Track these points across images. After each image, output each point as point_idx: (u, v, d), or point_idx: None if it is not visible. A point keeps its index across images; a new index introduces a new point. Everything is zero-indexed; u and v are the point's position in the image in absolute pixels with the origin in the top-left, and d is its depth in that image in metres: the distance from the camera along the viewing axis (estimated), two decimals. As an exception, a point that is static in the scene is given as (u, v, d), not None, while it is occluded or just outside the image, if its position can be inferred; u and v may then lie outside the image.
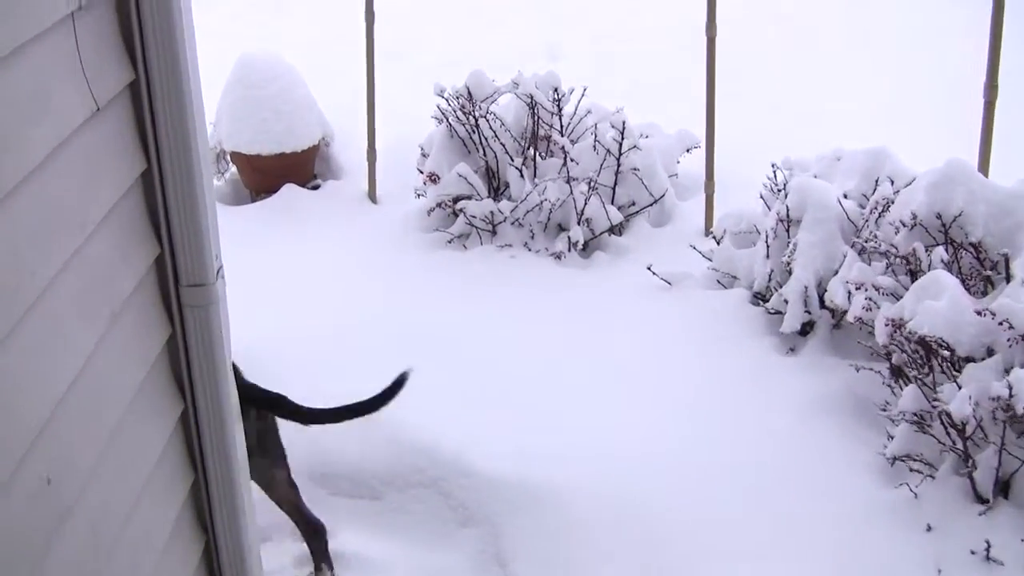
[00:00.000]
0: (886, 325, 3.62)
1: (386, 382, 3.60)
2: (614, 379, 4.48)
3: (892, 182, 4.44)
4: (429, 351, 4.61)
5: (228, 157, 6.40)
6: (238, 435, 2.77)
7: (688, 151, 5.96)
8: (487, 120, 5.58)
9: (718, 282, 5.03)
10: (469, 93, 5.63)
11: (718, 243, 5.08)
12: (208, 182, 2.49)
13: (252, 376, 3.57)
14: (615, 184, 5.64)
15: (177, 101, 2.34)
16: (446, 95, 5.70)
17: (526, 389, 4.39)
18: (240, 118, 6.16)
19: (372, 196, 6.27)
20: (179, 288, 2.56)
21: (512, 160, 5.60)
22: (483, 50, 9.32)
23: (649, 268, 5.08)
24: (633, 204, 5.72)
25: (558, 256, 5.42)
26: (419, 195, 5.89)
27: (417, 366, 4.56)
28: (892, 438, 3.69)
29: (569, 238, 5.43)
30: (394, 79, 6.96)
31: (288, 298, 5.19)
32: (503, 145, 5.63)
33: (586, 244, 5.48)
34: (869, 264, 4.19)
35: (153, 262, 2.47)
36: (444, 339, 4.72)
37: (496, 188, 5.80)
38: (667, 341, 4.73)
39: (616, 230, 5.59)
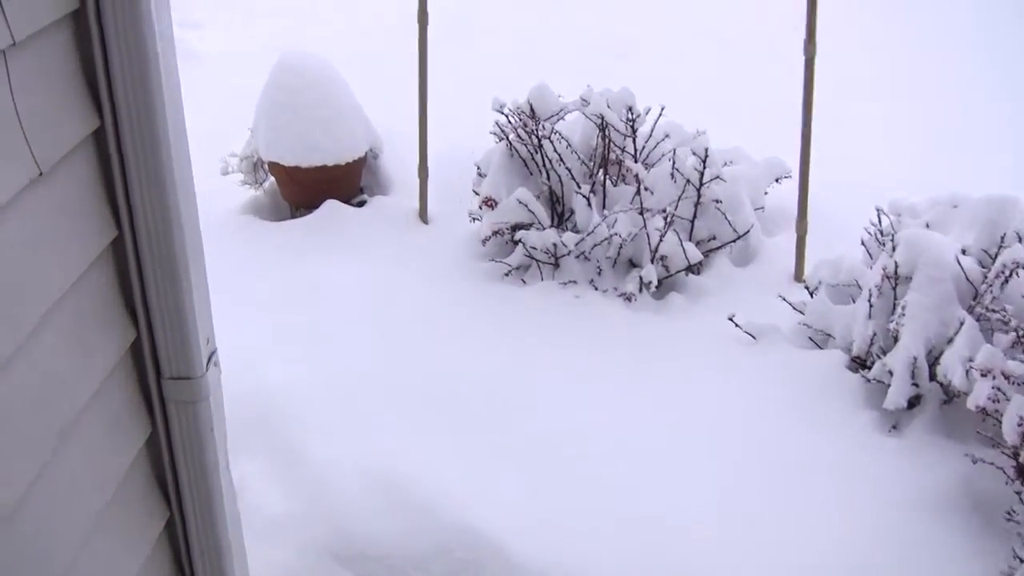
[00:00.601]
0: (1019, 425, 3.11)
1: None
2: (687, 450, 4.05)
3: (1021, 239, 3.91)
4: (473, 407, 4.25)
5: (266, 167, 5.98)
6: (234, 546, 2.35)
7: (777, 181, 5.45)
8: (551, 141, 5.11)
9: (810, 339, 4.56)
10: (532, 110, 5.20)
11: (811, 294, 4.60)
12: (195, 250, 2.07)
13: (262, 426, 3.16)
14: (694, 216, 5.18)
15: (153, 152, 1.95)
16: (506, 111, 5.24)
17: (584, 459, 3.99)
18: (279, 126, 5.78)
19: (423, 215, 5.86)
20: (160, 381, 2.14)
21: (579, 187, 5.15)
22: (545, 48, 8.94)
23: (731, 319, 4.61)
24: (713, 239, 5.26)
25: (628, 298, 4.97)
26: (474, 219, 5.44)
27: (458, 425, 4.15)
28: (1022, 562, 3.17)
29: (641, 278, 4.97)
30: (449, 80, 6.54)
31: (319, 330, 4.86)
32: (568, 170, 5.18)
33: (660, 282, 5.00)
34: (991, 335, 3.68)
35: (128, 349, 2.05)
36: (491, 393, 4.34)
37: (560, 214, 5.36)
38: (749, 408, 4.27)
39: (694, 268, 5.10)
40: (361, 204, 6.09)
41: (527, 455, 3.98)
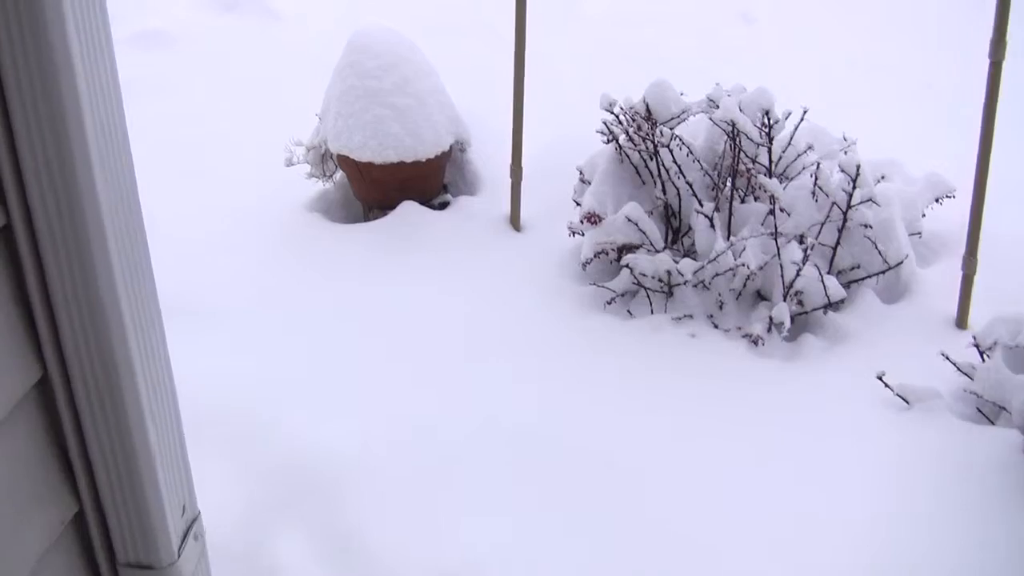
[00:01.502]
0: None
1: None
2: (818, 546, 3.44)
3: None
4: (571, 476, 3.74)
5: (335, 159, 5.44)
6: None
7: (938, 201, 4.78)
8: (670, 150, 4.49)
9: (979, 411, 3.91)
10: (648, 111, 4.56)
11: (982, 354, 3.95)
12: (158, 389, 1.53)
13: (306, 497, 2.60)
14: (837, 242, 4.52)
15: (80, 255, 1.40)
16: (616, 110, 4.63)
17: (699, 548, 3.43)
18: (350, 114, 5.25)
19: (514, 222, 5.31)
20: (116, 568, 1.61)
21: (700, 204, 4.54)
22: (661, 10, 8.30)
23: (880, 378, 3.98)
24: (858, 267, 4.62)
25: (755, 340, 4.33)
26: (573, 233, 4.85)
27: (553, 500, 3.62)
28: None
29: (771, 317, 4.34)
30: (546, 59, 5.93)
31: (380, 366, 4.36)
32: (689, 185, 4.55)
33: (792, 319, 4.37)
34: None
35: (68, 526, 1.52)
36: (590, 456, 3.84)
37: (676, 230, 4.75)
38: (901, 494, 3.69)
39: (834, 304, 4.47)
40: (444, 205, 5.54)
41: (638, 544, 3.42)
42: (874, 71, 7.53)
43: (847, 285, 4.63)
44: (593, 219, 4.66)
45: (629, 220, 4.58)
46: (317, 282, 4.99)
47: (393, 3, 8.22)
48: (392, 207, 5.43)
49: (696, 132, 4.78)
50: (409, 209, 5.38)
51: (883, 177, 4.78)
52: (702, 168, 4.67)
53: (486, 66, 6.43)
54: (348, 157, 5.35)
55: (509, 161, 5.26)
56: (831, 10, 8.49)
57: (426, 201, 5.51)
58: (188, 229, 5.44)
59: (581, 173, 5.01)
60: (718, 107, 4.58)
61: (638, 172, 4.80)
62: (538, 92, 5.51)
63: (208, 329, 4.58)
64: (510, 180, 5.29)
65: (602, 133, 4.87)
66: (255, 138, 6.30)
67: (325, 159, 5.61)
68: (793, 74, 6.69)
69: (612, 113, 4.72)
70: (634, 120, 4.65)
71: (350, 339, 4.53)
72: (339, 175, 5.73)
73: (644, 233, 4.60)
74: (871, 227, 4.54)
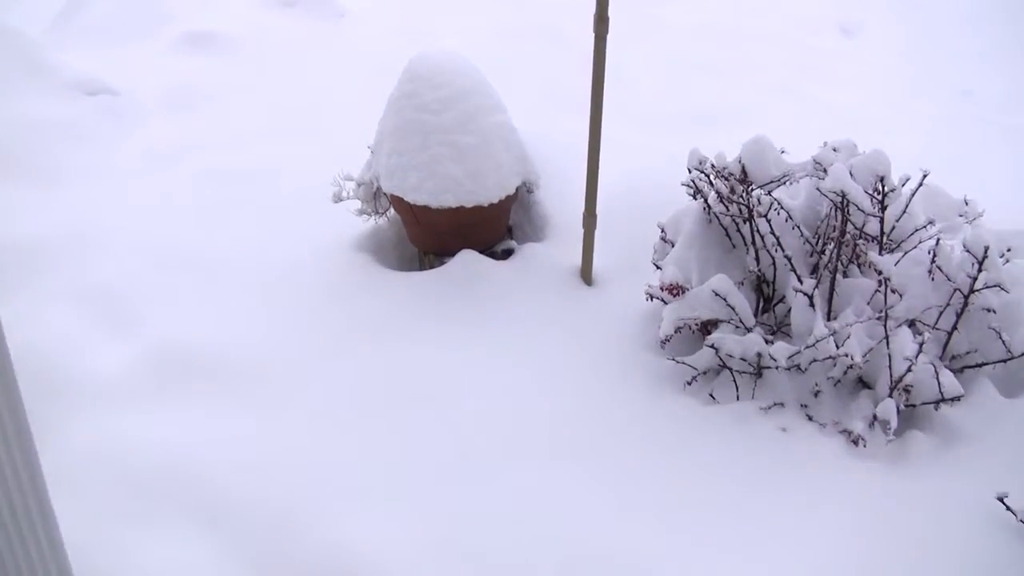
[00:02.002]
0: None
1: None
2: None
3: None
4: None
5: (389, 198, 5.01)
6: None
7: (1072, 280, 4.25)
8: (767, 219, 3.99)
9: (1122, 549, 3.39)
10: (744, 172, 4.06)
11: None
12: None
13: None
14: (954, 326, 4.00)
15: None
16: (706, 166, 4.15)
17: None
18: (404, 151, 4.82)
19: (585, 275, 4.87)
20: None
21: (800, 280, 4.03)
22: (755, 22, 7.79)
23: (1001, 500, 3.48)
24: (975, 351, 4.08)
25: (855, 440, 3.84)
26: (651, 297, 4.36)
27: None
28: None
29: (875, 415, 3.84)
30: (623, 87, 5.45)
31: (424, 448, 3.99)
32: (788, 258, 4.05)
33: (898, 410, 3.87)
34: None
35: None
36: None
37: (769, 298, 4.26)
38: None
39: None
40: (507, 253, 5.10)
41: None
42: (986, 103, 6.98)
43: (960, 370, 4.11)
44: (675, 291, 4.18)
45: (716, 294, 4.10)
46: (363, 339, 4.61)
47: (461, 3, 7.82)
48: (450, 254, 5.02)
49: (796, 190, 4.28)
50: (468, 258, 4.95)
51: (1009, 250, 4.24)
52: (802, 235, 4.17)
53: (557, 76, 5.98)
54: (402, 199, 4.92)
55: (581, 200, 4.79)
56: (941, 29, 7.91)
57: (488, 246, 5.07)
58: (223, 269, 5.13)
59: (663, 231, 4.53)
60: (825, 171, 4.07)
61: (728, 235, 4.31)
62: (615, 112, 5.04)
63: (231, 392, 4.31)
64: (583, 228, 4.82)
65: (688, 186, 4.38)
66: (305, 160, 5.94)
67: (378, 195, 5.18)
68: (892, 97, 6.15)
69: (702, 172, 4.23)
70: (728, 180, 4.16)
71: (393, 413, 4.17)
72: (393, 212, 5.29)
73: (732, 308, 4.12)
74: (995, 311, 4.01)
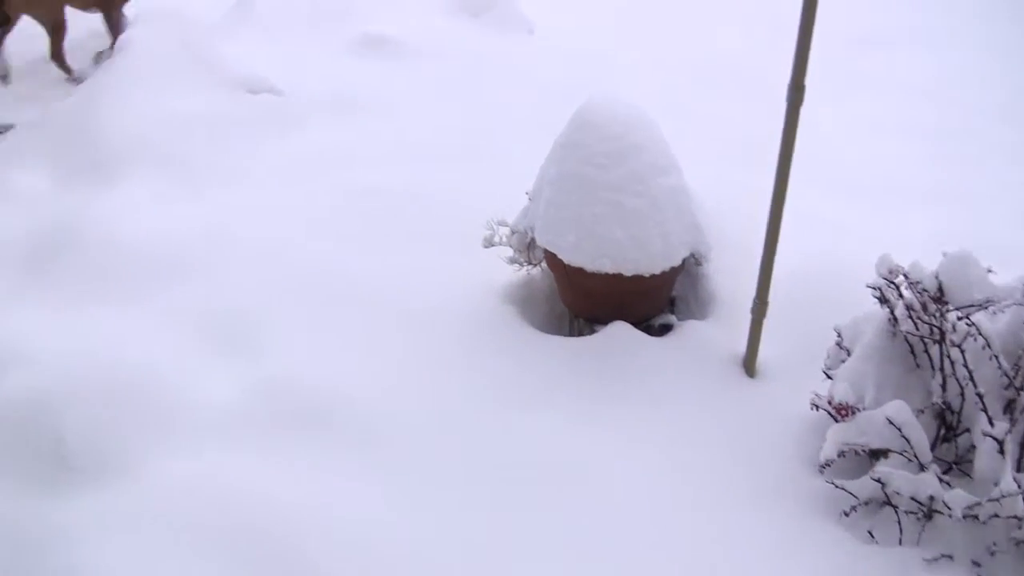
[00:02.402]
0: None
1: None
2: None
3: None
4: None
5: (542, 257, 4.67)
6: None
7: None
8: (961, 349, 3.51)
9: None
10: (940, 290, 3.58)
11: None
12: None
13: None
14: None
15: None
16: (896, 278, 3.68)
17: None
18: (564, 205, 4.49)
19: (749, 366, 4.47)
20: None
21: (991, 421, 3.52)
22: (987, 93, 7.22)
23: None
24: None
25: (1033, 616, 3.36)
26: (816, 407, 3.91)
27: None
28: None
29: (1061, 592, 3.34)
30: (818, 122, 4.99)
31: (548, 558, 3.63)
32: (979, 395, 3.56)
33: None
34: None
35: None
36: None
37: (951, 426, 3.77)
38: None
39: None
40: (665, 329, 4.72)
41: None
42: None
43: None
44: (844, 412, 3.72)
45: (891, 423, 3.63)
46: (494, 402, 4.30)
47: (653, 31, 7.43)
48: (602, 321, 4.66)
49: (998, 317, 3.77)
50: (621, 332, 4.57)
51: None
52: (999, 366, 3.66)
53: (745, 125, 5.56)
54: (556, 256, 4.56)
55: (754, 279, 4.36)
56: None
57: (645, 319, 4.68)
58: (356, 300, 4.90)
59: (839, 336, 4.07)
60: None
61: (913, 352, 3.83)
62: (807, 178, 4.59)
63: (342, 444, 4.10)
64: (751, 315, 4.38)
65: (874, 290, 3.91)
66: (461, 188, 5.64)
67: (532, 246, 4.83)
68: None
69: (891, 283, 3.76)
70: (921, 295, 3.68)
71: (510, 489, 3.88)
72: (547, 264, 4.94)
73: (907, 440, 3.64)
74: None
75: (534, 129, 5.93)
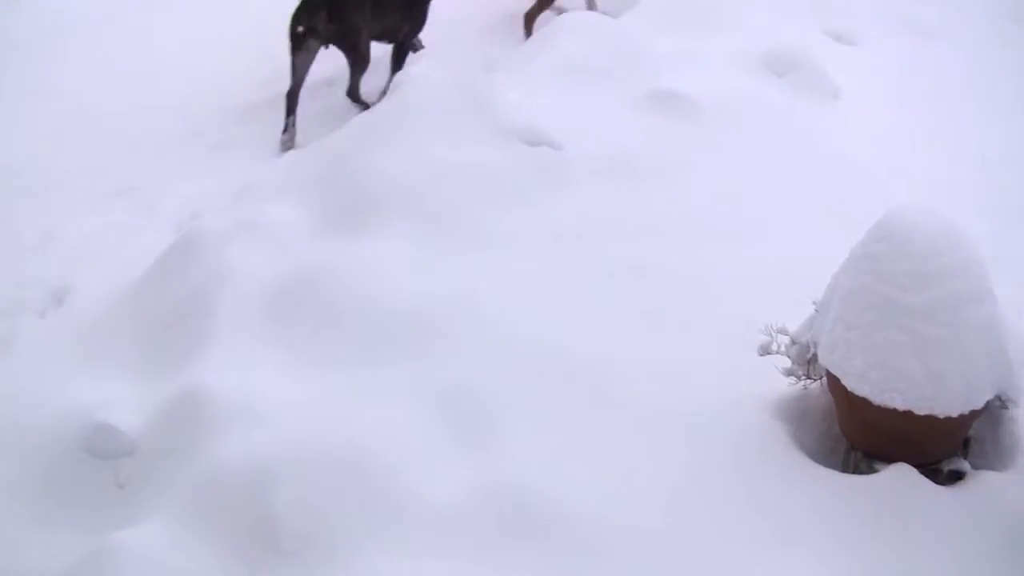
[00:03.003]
0: None
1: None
2: None
3: None
4: None
5: (823, 374, 4.21)
6: None
7: None
8: None
9: None
10: None
11: None
12: None
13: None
14: None
15: None
16: None
17: None
18: (854, 325, 4.06)
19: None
20: None
21: None
22: None
23: None
24: None
25: None
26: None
27: None
28: None
29: None
30: None
31: None
32: None
33: None
34: None
35: None
36: None
37: None
38: None
39: None
40: (956, 476, 4.18)
41: None
42: None
43: None
44: None
45: None
46: (746, 545, 3.90)
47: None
48: (883, 458, 4.15)
49: None
50: (904, 476, 4.03)
51: None
52: None
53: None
54: (839, 381, 4.07)
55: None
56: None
57: (933, 463, 4.13)
58: (606, 394, 4.56)
59: None
60: None
61: None
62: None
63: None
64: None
65: None
66: (742, 273, 5.22)
67: (813, 360, 4.35)
68: None
69: None
70: None
71: None
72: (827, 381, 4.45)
73: None
74: None
75: (827, 216, 5.49)
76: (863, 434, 4.22)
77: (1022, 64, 8.21)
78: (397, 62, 8.66)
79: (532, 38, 8.42)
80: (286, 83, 8.11)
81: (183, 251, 5.75)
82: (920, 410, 3.93)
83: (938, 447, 4.16)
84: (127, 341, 5.46)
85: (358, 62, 8.23)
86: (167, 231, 6.99)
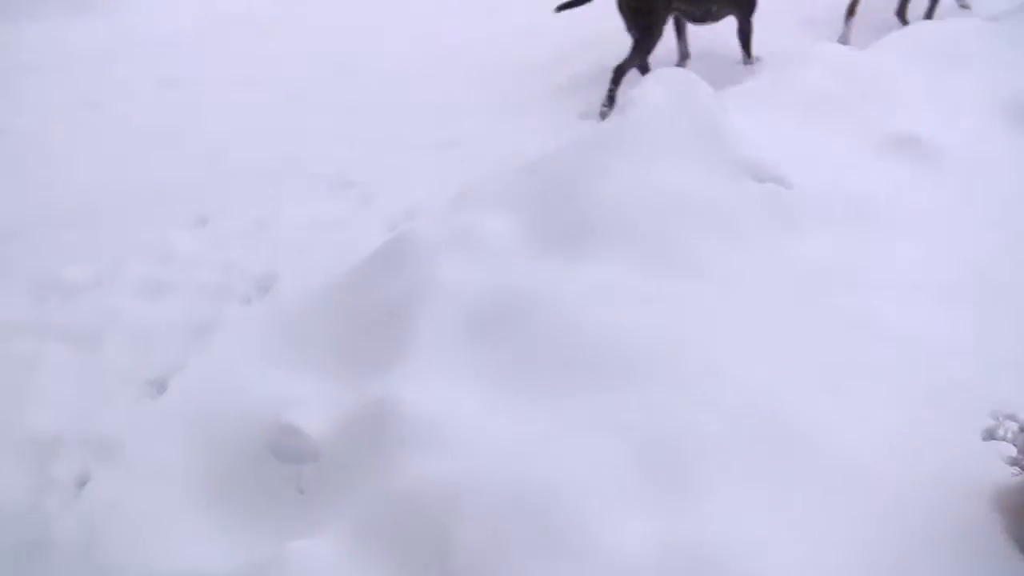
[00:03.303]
0: None
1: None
2: None
3: None
4: None
5: None
6: None
7: None
8: None
9: None
10: None
11: None
12: None
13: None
14: None
15: None
16: None
17: None
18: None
19: None
20: None
21: None
22: None
23: None
24: None
25: None
26: None
27: None
28: None
29: None
30: None
31: None
32: None
33: None
34: None
35: None
36: None
37: None
38: None
39: None
40: None
41: None
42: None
43: None
44: None
45: None
46: None
47: None
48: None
49: None
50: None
51: None
52: None
53: None
54: None
55: None
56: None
57: None
58: (810, 461, 4.26)
59: None
60: None
61: None
62: None
63: None
64: None
65: None
66: (977, 351, 4.83)
67: (1042, 450, 4.03)
68: None
69: None
70: None
71: None
72: None
73: None
74: None
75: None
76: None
77: None
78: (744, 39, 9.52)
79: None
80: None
81: (393, 255, 5.69)
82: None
83: None
84: (324, 340, 5.44)
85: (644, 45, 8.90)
86: (380, 228, 6.98)
